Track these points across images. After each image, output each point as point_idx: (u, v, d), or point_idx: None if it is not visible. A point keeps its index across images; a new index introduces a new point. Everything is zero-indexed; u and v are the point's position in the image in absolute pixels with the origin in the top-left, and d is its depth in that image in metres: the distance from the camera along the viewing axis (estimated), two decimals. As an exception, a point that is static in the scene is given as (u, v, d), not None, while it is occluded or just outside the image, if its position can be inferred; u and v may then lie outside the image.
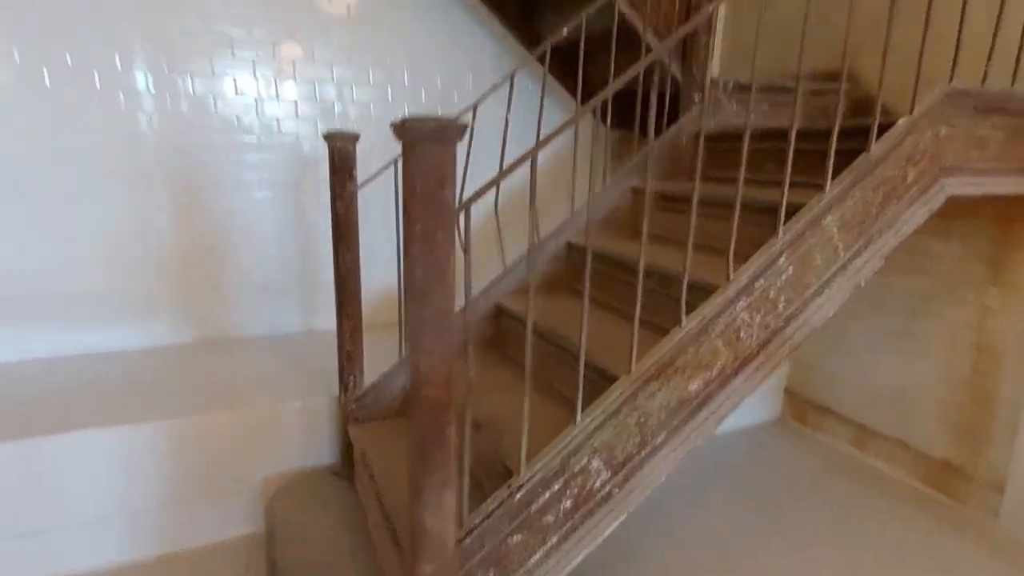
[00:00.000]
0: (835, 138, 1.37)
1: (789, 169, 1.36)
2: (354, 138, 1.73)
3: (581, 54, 1.87)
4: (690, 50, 2.14)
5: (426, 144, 0.89)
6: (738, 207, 1.35)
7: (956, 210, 2.15)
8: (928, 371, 2.31)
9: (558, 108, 2.83)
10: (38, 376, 2.10)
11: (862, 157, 1.39)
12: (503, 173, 1.13)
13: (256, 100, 2.39)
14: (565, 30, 1.82)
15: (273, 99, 2.42)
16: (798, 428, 2.79)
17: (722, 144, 2.05)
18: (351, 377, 1.87)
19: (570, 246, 2.03)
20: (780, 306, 1.39)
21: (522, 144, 1.38)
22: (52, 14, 2.07)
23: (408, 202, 0.92)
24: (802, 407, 2.81)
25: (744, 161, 1.36)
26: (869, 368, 2.51)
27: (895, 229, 1.48)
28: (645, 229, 1.29)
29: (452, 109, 2.68)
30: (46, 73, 2.10)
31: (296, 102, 2.47)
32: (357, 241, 1.80)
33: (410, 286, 0.95)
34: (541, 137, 1.27)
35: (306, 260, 2.60)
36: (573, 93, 2.62)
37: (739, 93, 2.25)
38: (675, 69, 2.16)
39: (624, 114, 2.30)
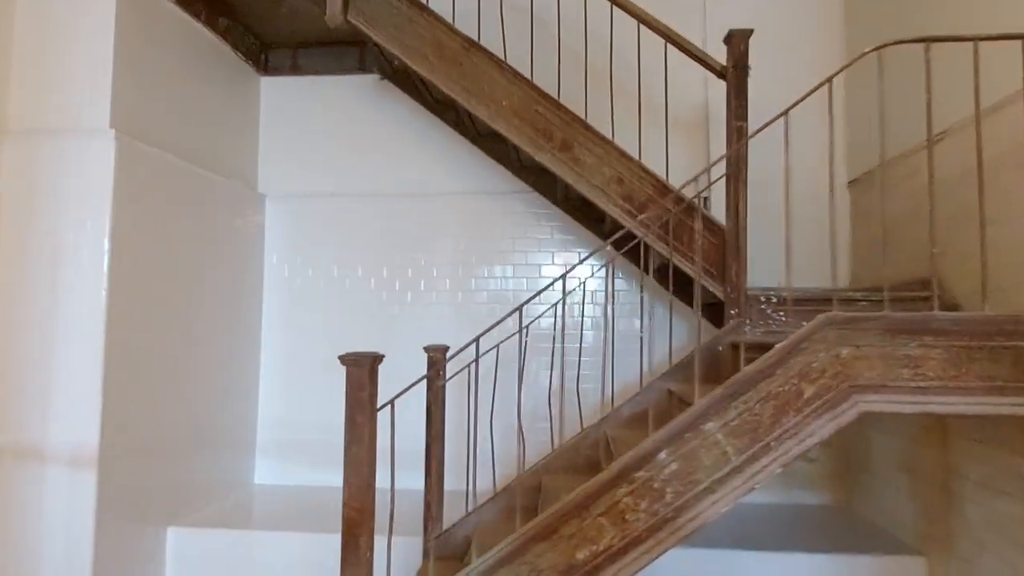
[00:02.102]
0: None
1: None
2: (443, 349, 2.57)
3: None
4: (724, 273, 2.50)
5: (351, 368, 1.66)
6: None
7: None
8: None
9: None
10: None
11: (737, 375, 1.65)
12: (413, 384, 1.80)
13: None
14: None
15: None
16: None
17: (753, 353, 2.28)
18: (430, 522, 2.52)
19: (606, 436, 2.44)
20: (668, 496, 1.65)
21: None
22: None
23: (346, 396, 1.68)
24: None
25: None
26: None
27: (799, 439, 1.62)
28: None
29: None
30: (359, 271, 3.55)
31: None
32: (442, 420, 2.55)
33: (345, 444, 1.67)
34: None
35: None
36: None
37: (787, 305, 2.46)
38: (713, 288, 2.52)
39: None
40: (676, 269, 2.63)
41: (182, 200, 2.84)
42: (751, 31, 2.50)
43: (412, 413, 3.32)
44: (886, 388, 1.61)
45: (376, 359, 1.68)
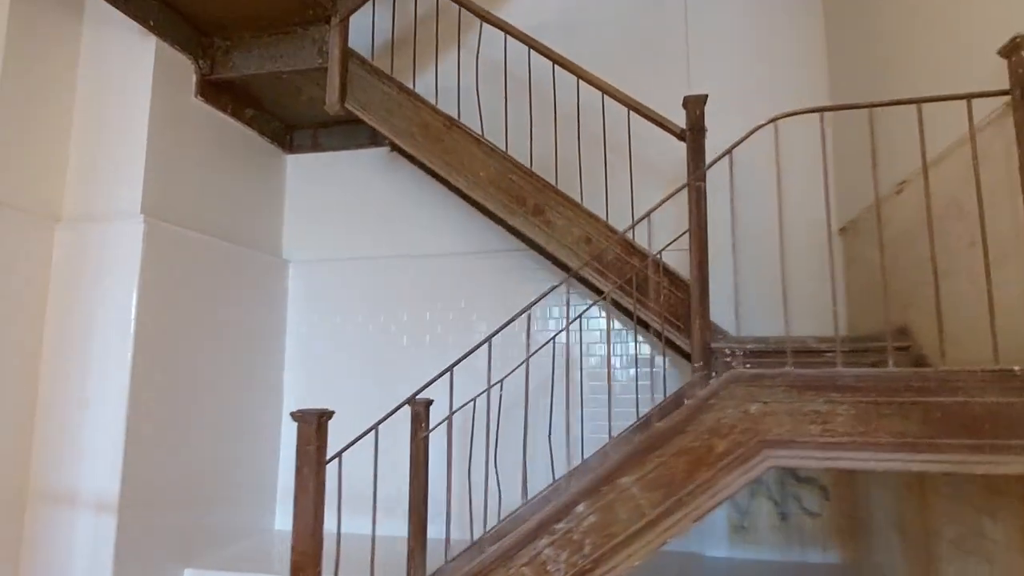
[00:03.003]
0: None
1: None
2: (426, 403, 2.74)
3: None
4: (688, 326, 2.56)
5: (300, 424, 1.87)
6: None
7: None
8: None
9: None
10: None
11: (651, 430, 1.73)
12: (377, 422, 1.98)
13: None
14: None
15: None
16: None
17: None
18: (412, 569, 2.65)
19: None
20: (586, 548, 1.73)
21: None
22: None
23: (296, 450, 1.88)
24: None
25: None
26: None
27: (711, 493, 1.67)
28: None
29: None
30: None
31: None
32: (426, 470, 2.70)
33: (294, 493, 1.86)
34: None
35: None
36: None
37: (753, 357, 2.49)
38: (680, 341, 2.59)
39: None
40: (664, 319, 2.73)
41: (207, 270, 3.21)
42: (705, 96, 2.62)
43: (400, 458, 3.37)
44: (795, 443, 1.65)
45: (323, 415, 1.88)
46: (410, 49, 3.34)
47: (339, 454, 1.92)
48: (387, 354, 3.75)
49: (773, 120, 1.80)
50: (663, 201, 2.23)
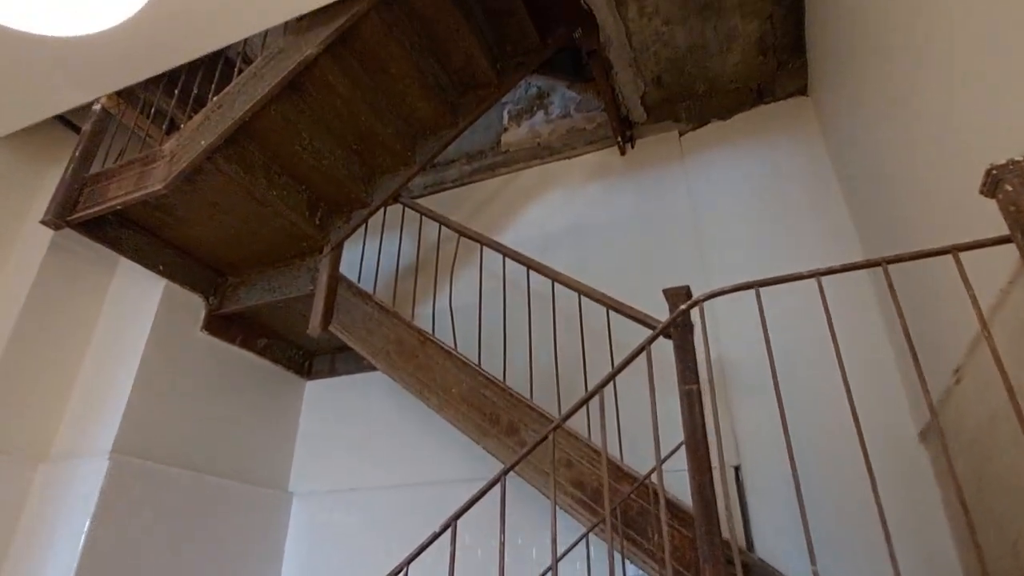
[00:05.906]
0: None
1: None
2: None
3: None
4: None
5: None
6: None
7: None
8: None
9: None
10: None
11: None
12: None
13: None
14: None
15: None
16: None
17: None
18: None
19: None
20: None
21: None
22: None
23: None
24: None
25: None
26: None
27: None
28: None
29: None
30: None
31: None
32: None
33: None
34: None
35: None
36: None
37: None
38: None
39: None
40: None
41: (190, 508, 2.97)
42: (686, 288, 2.27)
43: None
44: None
45: None
46: (413, 270, 3.35)
47: None
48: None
49: (662, 329, 1.40)
50: (600, 385, 1.80)
